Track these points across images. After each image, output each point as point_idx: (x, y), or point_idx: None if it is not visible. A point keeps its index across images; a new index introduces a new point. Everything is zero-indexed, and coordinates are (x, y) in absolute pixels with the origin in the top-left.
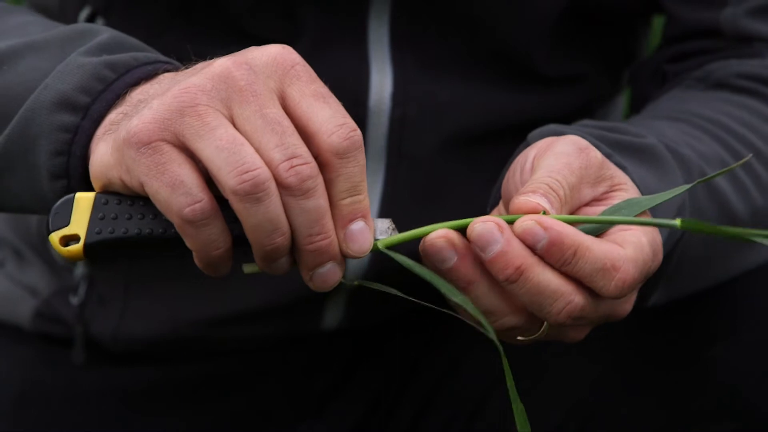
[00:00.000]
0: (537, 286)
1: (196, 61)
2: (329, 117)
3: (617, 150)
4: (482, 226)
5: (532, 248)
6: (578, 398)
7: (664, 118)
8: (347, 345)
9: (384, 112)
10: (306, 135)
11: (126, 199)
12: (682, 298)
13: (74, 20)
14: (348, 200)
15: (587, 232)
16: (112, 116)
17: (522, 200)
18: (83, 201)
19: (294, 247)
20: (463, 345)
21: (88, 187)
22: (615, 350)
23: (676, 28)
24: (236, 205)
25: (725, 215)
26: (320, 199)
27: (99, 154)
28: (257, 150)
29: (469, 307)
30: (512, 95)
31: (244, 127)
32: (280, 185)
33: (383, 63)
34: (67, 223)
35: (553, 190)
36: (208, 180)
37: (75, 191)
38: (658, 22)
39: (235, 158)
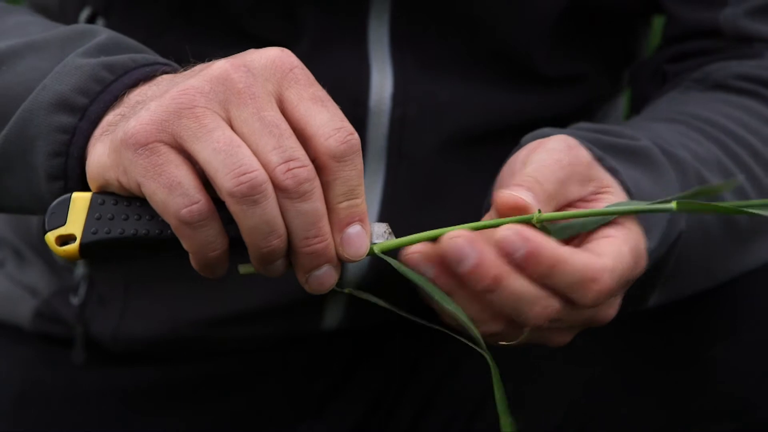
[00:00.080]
0: (514, 294)
1: (195, 63)
2: (327, 120)
3: (610, 152)
4: (451, 243)
5: (508, 258)
6: (578, 399)
7: (662, 120)
8: (347, 345)
9: (384, 113)
10: (303, 138)
11: (122, 200)
12: (682, 299)
13: (74, 21)
14: (345, 204)
15: (576, 227)
16: (110, 117)
17: (506, 194)
18: (80, 201)
19: (290, 249)
20: (463, 345)
21: (86, 189)
22: (614, 351)
23: (676, 28)
24: (233, 207)
25: (724, 216)
26: (317, 202)
27: (96, 155)
28: (254, 152)
29: (462, 316)
30: (512, 95)
31: (241, 130)
32: (277, 188)
33: (383, 63)
34: (63, 223)
35: (540, 183)
36: (205, 182)
37: (72, 192)
38: (658, 22)
39: (232, 160)
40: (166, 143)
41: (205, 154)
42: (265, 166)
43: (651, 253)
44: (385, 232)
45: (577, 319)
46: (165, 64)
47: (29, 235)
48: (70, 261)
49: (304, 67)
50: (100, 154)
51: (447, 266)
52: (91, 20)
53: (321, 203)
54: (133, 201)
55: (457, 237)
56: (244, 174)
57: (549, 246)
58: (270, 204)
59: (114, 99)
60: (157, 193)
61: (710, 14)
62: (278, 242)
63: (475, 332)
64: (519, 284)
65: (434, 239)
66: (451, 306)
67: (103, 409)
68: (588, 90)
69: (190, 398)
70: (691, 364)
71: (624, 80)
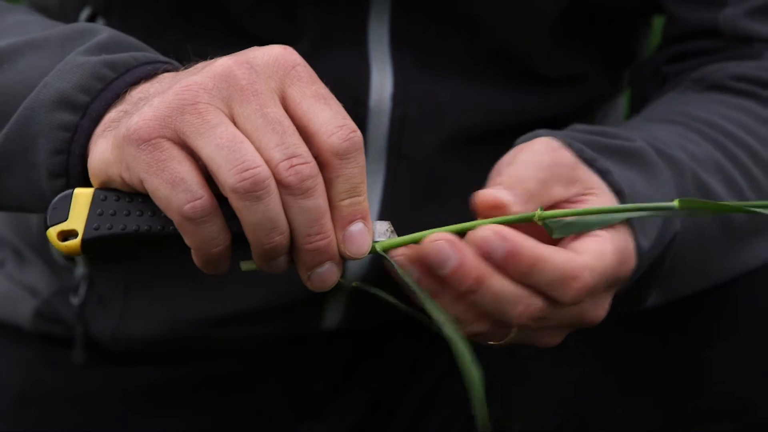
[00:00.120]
0: (496, 294)
1: (197, 61)
2: (330, 118)
3: (604, 154)
4: (432, 246)
5: (488, 258)
6: (578, 400)
7: (659, 121)
8: (347, 345)
9: (384, 113)
10: (306, 135)
11: (125, 196)
12: (681, 299)
13: (74, 20)
14: (347, 201)
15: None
16: (112, 114)
17: (485, 192)
18: (82, 197)
19: (293, 246)
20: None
21: (87, 186)
22: (614, 351)
23: (676, 28)
24: (236, 203)
25: (720, 217)
26: (319, 199)
27: (98, 151)
28: (257, 149)
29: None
30: (512, 95)
31: (244, 126)
32: (280, 184)
33: (383, 63)
34: (65, 218)
35: (520, 182)
36: (208, 178)
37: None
38: (658, 22)
39: (235, 156)
40: (169, 139)
41: (208, 150)
42: (268, 162)
43: (646, 253)
44: (387, 230)
45: (564, 319)
46: (166, 62)
47: (29, 235)
48: (72, 256)
49: (307, 65)
50: (103, 150)
51: (430, 268)
52: (91, 20)
53: (324, 200)
54: (135, 197)
55: (438, 239)
56: (248, 170)
57: (528, 245)
58: (273, 200)
59: (115, 97)
60: (159, 189)
61: (710, 14)
62: (281, 239)
63: (459, 344)
64: (501, 284)
65: None
66: (435, 313)
67: (103, 409)
68: (588, 90)
69: (190, 398)
70: (690, 364)
71: (624, 80)
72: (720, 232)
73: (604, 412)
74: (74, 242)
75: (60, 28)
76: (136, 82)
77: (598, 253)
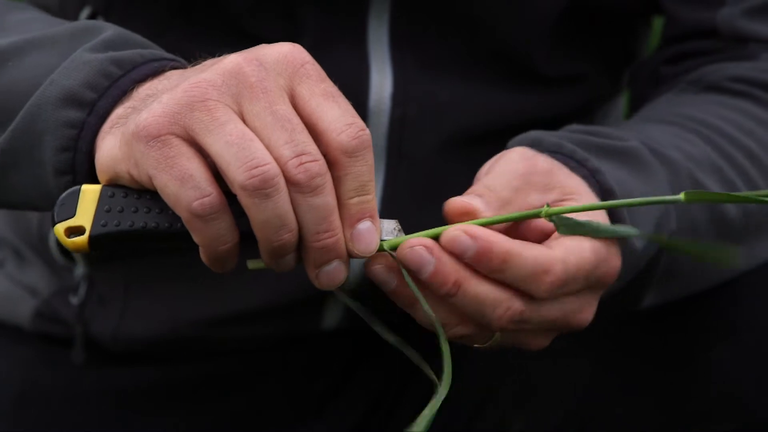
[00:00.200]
0: (476, 297)
1: (204, 58)
2: (338, 116)
3: (595, 153)
4: (410, 252)
5: (460, 258)
6: (577, 400)
7: (656, 122)
8: (347, 345)
9: (384, 112)
10: (315, 133)
11: (132, 192)
12: (680, 299)
13: (74, 20)
14: (356, 199)
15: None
16: (120, 111)
17: (454, 200)
18: (89, 193)
19: (301, 244)
20: (463, 345)
21: (93, 183)
22: (613, 351)
23: (675, 29)
24: (245, 200)
25: (716, 217)
26: (328, 197)
27: (106, 147)
28: (266, 146)
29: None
30: (512, 95)
31: (253, 123)
32: (289, 182)
33: (383, 63)
34: (72, 215)
35: (491, 191)
36: (216, 176)
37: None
38: (658, 23)
39: (244, 153)
40: (178, 136)
41: (217, 147)
42: (277, 160)
43: (640, 253)
44: (394, 228)
45: (546, 322)
46: (173, 60)
47: (29, 235)
48: (73, 255)
49: (316, 63)
50: (111, 147)
51: (410, 273)
52: (91, 19)
53: (332, 198)
54: (143, 194)
55: (416, 245)
56: (257, 167)
57: (499, 241)
58: (282, 198)
59: (122, 94)
60: (168, 186)
61: (709, 14)
62: (289, 236)
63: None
64: (479, 288)
65: None
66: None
67: (103, 409)
68: (588, 90)
69: (190, 398)
70: (690, 364)
71: (624, 80)
72: (716, 233)
73: (604, 412)
74: (81, 239)
75: (65, 26)
76: (143, 79)
77: (573, 247)
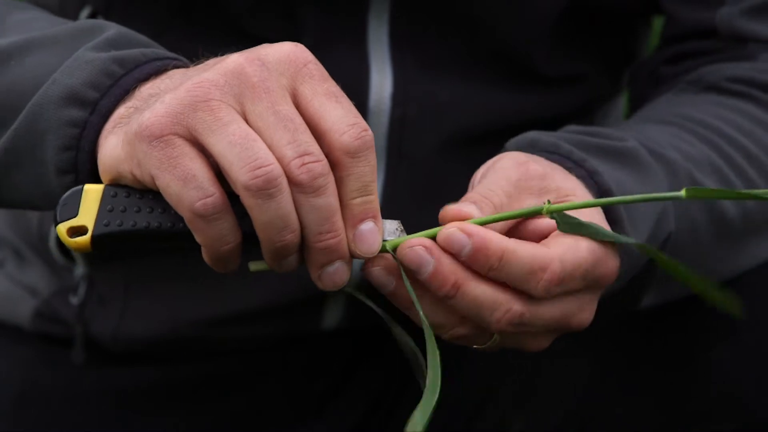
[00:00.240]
0: (475, 299)
1: (206, 57)
2: (341, 116)
3: (593, 154)
4: (409, 252)
5: (456, 256)
6: (577, 400)
7: (654, 122)
8: (347, 345)
9: (384, 112)
10: (317, 133)
11: (135, 192)
12: (679, 300)
13: (75, 20)
14: (358, 200)
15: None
16: (122, 110)
17: (450, 208)
18: (92, 193)
19: (303, 245)
20: (463, 345)
21: (95, 183)
22: (613, 352)
23: (675, 29)
24: (247, 200)
25: (715, 218)
26: (331, 197)
27: (109, 147)
28: (269, 146)
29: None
30: (512, 95)
31: (256, 124)
32: (292, 182)
33: (383, 63)
34: (75, 214)
35: (486, 198)
36: (219, 176)
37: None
38: (658, 23)
39: (247, 154)
40: (180, 136)
41: (220, 147)
42: (279, 160)
43: (639, 253)
44: (396, 229)
45: (545, 325)
46: (175, 59)
47: (29, 235)
48: (74, 255)
49: (318, 63)
50: (114, 146)
51: (410, 274)
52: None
53: (335, 198)
54: (146, 194)
55: (416, 245)
56: (260, 168)
57: (495, 238)
58: (285, 198)
59: (125, 93)
60: (171, 186)
61: (709, 14)
62: (292, 237)
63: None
64: (479, 290)
65: None
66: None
67: (103, 409)
68: (588, 90)
69: (190, 398)
70: (690, 365)
71: (624, 80)
72: (716, 233)
73: (604, 412)
74: (84, 238)
75: (67, 25)
76: (146, 79)
77: (571, 246)
